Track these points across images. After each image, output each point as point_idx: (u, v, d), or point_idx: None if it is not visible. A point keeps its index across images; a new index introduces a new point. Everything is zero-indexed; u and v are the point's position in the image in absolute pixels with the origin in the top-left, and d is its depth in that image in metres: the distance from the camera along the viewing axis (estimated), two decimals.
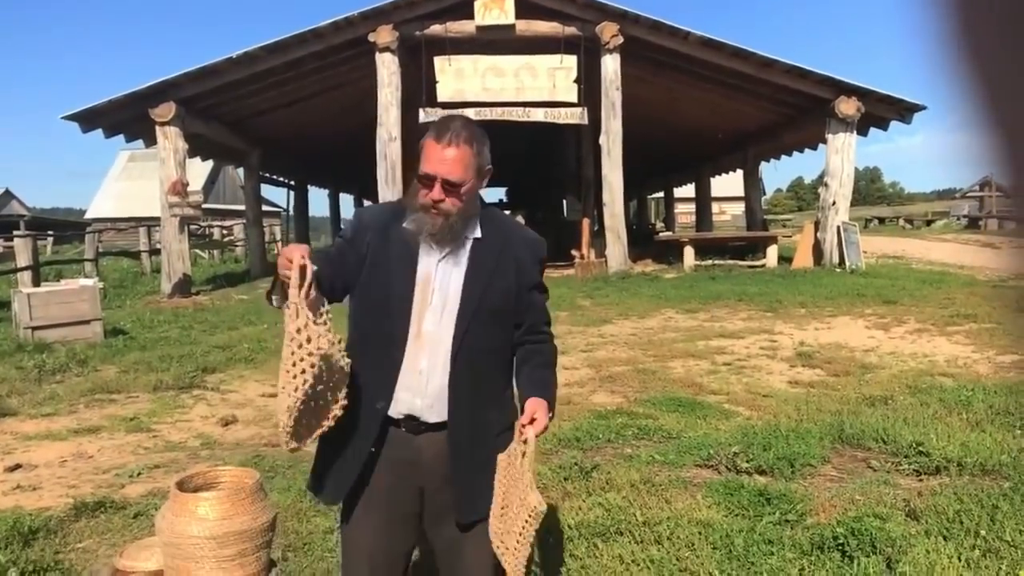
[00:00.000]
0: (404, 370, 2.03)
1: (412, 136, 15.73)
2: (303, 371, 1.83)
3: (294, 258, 1.84)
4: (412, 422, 2.05)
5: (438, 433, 2.06)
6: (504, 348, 2.14)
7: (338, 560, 2.55)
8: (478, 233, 2.08)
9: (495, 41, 14.85)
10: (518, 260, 2.12)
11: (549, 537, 3.52)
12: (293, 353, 1.84)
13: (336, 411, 1.96)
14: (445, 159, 1.96)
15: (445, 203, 1.98)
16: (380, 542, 2.11)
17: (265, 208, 24.87)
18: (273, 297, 1.99)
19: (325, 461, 2.13)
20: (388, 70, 14.83)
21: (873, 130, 16.48)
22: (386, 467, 2.07)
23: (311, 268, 1.85)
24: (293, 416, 1.86)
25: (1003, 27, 0.37)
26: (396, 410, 2.04)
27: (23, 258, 13.36)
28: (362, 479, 2.06)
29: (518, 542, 1.96)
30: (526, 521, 1.95)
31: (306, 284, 1.83)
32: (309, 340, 1.82)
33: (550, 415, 2.06)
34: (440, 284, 2.04)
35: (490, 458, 2.09)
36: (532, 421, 2.00)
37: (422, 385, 2.03)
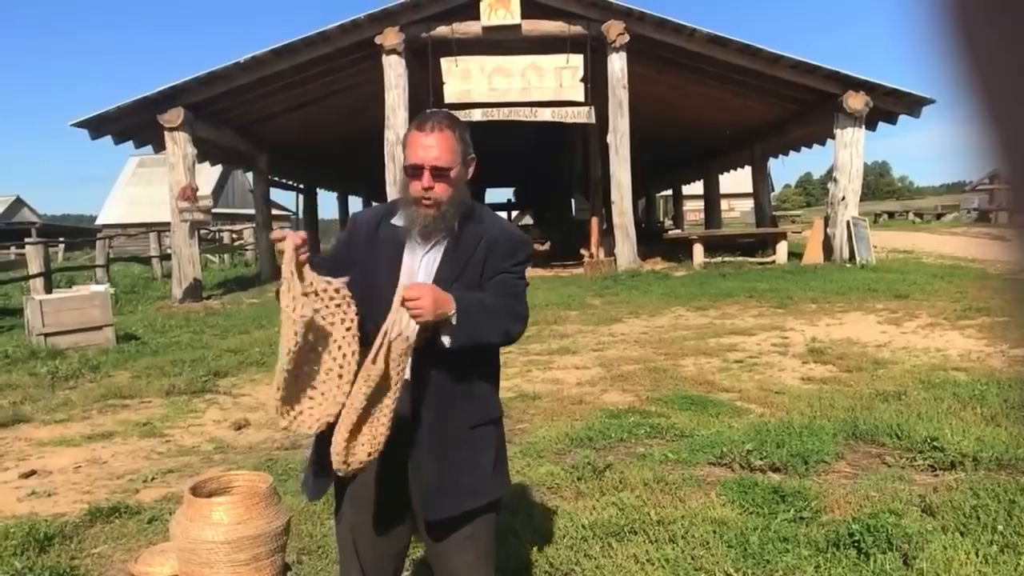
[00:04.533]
0: None
1: None
2: (289, 338, 1.87)
3: (287, 238, 1.89)
4: (398, 418, 2.02)
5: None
6: None
7: None
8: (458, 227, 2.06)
9: (501, 41, 14.85)
10: (496, 246, 2.07)
11: (564, 537, 3.52)
12: (285, 324, 1.89)
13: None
14: (430, 146, 1.97)
15: (435, 191, 1.97)
16: (370, 542, 2.10)
17: (274, 212, 24.95)
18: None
19: (313, 457, 2.12)
20: (395, 72, 14.85)
21: (882, 124, 16.41)
22: (374, 465, 2.03)
23: (303, 244, 1.90)
24: (280, 386, 1.89)
25: (999, 18, 0.37)
26: None
27: (35, 265, 13.42)
28: (353, 478, 2.03)
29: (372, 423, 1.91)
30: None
31: (296, 256, 1.87)
32: (295, 310, 1.86)
33: (442, 310, 1.86)
34: (422, 278, 2.03)
35: (461, 453, 2.04)
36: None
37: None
